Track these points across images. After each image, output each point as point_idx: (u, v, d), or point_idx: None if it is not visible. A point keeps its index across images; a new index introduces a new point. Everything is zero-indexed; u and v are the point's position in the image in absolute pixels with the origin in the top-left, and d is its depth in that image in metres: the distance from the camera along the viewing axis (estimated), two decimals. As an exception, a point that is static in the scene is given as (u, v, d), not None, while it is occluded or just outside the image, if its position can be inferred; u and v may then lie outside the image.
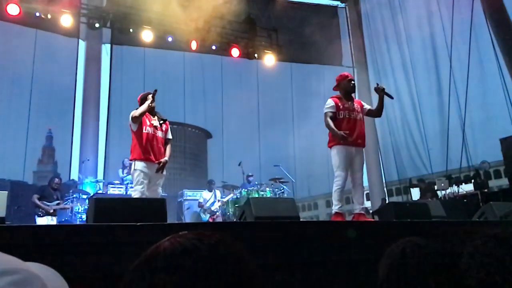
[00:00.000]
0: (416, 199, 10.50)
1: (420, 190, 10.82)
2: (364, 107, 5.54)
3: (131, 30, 10.14)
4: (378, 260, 1.26)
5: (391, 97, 5.54)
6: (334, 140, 5.20)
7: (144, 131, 5.17)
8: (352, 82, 5.48)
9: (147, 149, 5.12)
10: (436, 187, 10.23)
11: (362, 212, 5.15)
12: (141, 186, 5.07)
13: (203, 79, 13.49)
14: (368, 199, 15.57)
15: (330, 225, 4.06)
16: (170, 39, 10.81)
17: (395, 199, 15.04)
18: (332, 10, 15.68)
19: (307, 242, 3.41)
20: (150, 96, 5.26)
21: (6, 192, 3.46)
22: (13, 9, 8.71)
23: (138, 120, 5.14)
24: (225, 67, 13.43)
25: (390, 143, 14.27)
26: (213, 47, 11.52)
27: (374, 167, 14.48)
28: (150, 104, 5.18)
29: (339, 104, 5.28)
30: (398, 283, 1.04)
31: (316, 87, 13.99)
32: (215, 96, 13.65)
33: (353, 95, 5.51)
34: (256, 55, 11.92)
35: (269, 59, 12.29)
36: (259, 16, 12.73)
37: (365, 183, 14.83)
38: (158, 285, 0.65)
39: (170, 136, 5.47)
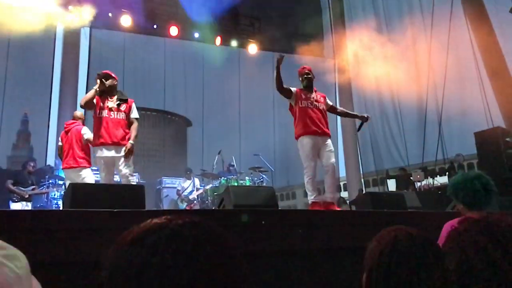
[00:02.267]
0: (393, 190, 10.69)
1: (397, 181, 11.02)
2: (327, 101, 5.68)
3: (110, 14, 9.92)
4: (358, 248, 1.28)
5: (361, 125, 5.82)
6: (300, 131, 5.33)
7: (98, 115, 5.02)
8: (307, 75, 5.63)
9: (101, 133, 4.96)
10: (412, 179, 10.44)
11: (333, 201, 5.24)
12: (103, 174, 5.00)
13: (184, 67, 13.36)
14: (345, 190, 15.80)
15: (308, 214, 4.10)
16: (155, 26, 10.63)
17: (371, 190, 15.27)
18: (315, 1, 15.66)
19: (285, 230, 3.44)
20: (98, 81, 5.06)
21: (-21, 176, 3.37)
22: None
23: (87, 107, 5.10)
24: (206, 55, 13.31)
25: (368, 135, 14.46)
26: (196, 35, 11.39)
27: (352, 158, 14.66)
28: (97, 89, 5.00)
29: (301, 94, 5.48)
30: (388, 269, 1.06)
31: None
32: (196, 84, 13.54)
33: (315, 87, 5.65)
34: (237, 43, 11.85)
35: (251, 48, 12.22)
36: (242, 5, 12.62)
37: (343, 173, 15.07)
38: (121, 259, 0.66)
39: (134, 115, 5.19)
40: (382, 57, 14.18)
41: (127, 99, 5.21)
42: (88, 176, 6.09)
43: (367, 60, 14.63)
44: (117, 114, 5.08)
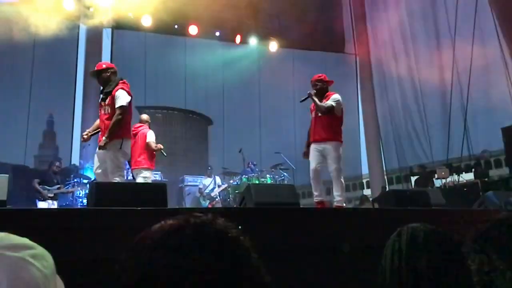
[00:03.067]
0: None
1: (416, 178, 10.85)
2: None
3: (130, 14, 10.01)
4: (379, 246, 1.26)
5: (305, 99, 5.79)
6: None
7: None
8: (312, 86, 5.77)
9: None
10: (436, 176, 10.26)
11: (338, 202, 5.46)
12: (99, 171, 4.89)
13: (204, 66, 13.39)
14: (368, 187, 15.61)
15: (329, 212, 4.07)
16: (176, 25, 10.72)
17: (395, 187, 15.07)
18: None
19: (307, 228, 3.42)
20: None
21: (7, 175, 3.45)
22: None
23: None
24: (226, 53, 13.34)
25: (391, 131, 14.24)
26: (217, 33, 11.42)
27: (375, 155, 14.48)
28: None
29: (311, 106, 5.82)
30: (407, 266, 1.04)
31: (317, 73, 13.92)
32: (216, 82, 13.57)
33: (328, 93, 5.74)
34: (257, 41, 11.84)
35: (271, 46, 12.19)
36: (261, 2, 12.58)
37: (365, 171, 14.89)
38: (147, 264, 0.67)
39: (118, 103, 4.75)
40: (404, 51, 13.96)
41: (107, 91, 4.87)
42: (150, 177, 6.47)
43: (389, 55, 14.43)
44: (103, 109, 4.89)
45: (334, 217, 3.70)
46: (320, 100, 5.58)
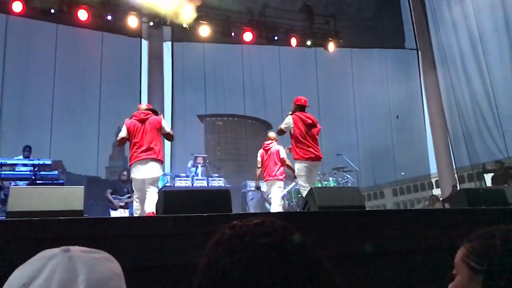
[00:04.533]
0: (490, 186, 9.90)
1: (494, 175, 10.18)
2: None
3: (184, 25, 10.27)
4: (452, 248, 1.20)
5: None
6: None
7: None
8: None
9: None
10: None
11: None
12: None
13: (261, 71, 13.51)
14: (437, 187, 14.90)
15: (398, 213, 3.93)
16: (232, 33, 10.92)
17: (467, 185, 14.25)
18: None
19: (373, 232, 3.33)
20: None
21: (83, 187, 3.68)
22: (82, 15, 9.28)
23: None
24: (283, 57, 13.36)
25: (460, 127, 13.50)
26: (275, 38, 11.47)
27: (443, 152, 13.80)
28: None
29: None
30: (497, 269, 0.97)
31: (378, 72, 13.56)
32: (274, 87, 13.63)
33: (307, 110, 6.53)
34: (314, 43, 11.74)
35: (328, 47, 12.02)
36: (316, 3, 12.49)
37: (433, 170, 14.25)
38: (225, 269, 0.67)
39: None
40: (469, 41, 13.21)
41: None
42: (282, 187, 7.53)
43: (453, 47, 13.72)
44: None
45: (403, 219, 3.56)
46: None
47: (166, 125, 5.84)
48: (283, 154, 7.34)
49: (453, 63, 13.66)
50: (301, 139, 6.21)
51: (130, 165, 5.75)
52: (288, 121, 6.34)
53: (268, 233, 0.70)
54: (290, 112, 6.46)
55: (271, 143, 7.58)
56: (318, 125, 6.48)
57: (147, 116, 5.69)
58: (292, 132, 6.30)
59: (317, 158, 6.33)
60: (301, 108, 6.46)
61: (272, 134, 7.80)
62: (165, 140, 6.32)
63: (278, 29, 11.46)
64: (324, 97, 13.71)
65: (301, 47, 11.96)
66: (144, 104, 6.31)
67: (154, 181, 5.71)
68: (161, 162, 5.76)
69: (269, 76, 13.70)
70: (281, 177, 7.32)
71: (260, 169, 7.60)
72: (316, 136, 6.41)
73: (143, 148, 5.53)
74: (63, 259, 0.71)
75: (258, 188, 8.11)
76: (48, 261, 0.70)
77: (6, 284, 0.71)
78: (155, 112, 5.88)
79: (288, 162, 7.29)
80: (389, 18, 13.95)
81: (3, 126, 10.43)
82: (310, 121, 6.34)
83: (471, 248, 1.05)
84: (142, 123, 5.62)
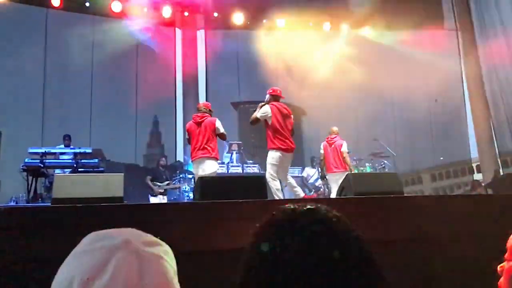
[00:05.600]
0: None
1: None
2: None
3: (215, 14, 10.28)
4: (494, 234, 1.16)
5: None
6: None
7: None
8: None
9: None
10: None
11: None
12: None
13: (295, 56, 13.35)
14: (479, 172, 14.41)
15: (437, 199, 3.84)
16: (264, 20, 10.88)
17: (511, 170, 13.70)
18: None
19: (412, 217, 3.26)
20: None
21: (122, 174, 3.80)
22: (116, 6, 9.48)
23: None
24: (312, 41, 13.14)
25: (502, 110, 12.93)
26: (306, 23, 11.35)
27: (485, 136, 13.27)
28: None
29: None
30: None
31: (416, 53, 13.13)
32: (308, 71, 13.44)
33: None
34: (351, 25, 11.51)
35: (364, 30, 11.79)
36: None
37: (474, 154, 13.77)
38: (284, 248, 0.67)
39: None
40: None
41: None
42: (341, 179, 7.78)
43: (497, 27, 13.10)
44: None
45: (443, 204, 3.47)
46: None
47: (220, 126, 6.61)
48: (344, 148, 7.76)
49: (496, 44, 13.05)
50: (279, 129, 6.21)
51: (191, 161, 6.85)
52: (266, 110, 6.31)
53: (321, 221, 0.70)
54: (264, 102, 6.48)
55: (335, 137, 7.99)
56: (291, 116, 6.51)
57: (202, 119, 6.55)
58: (269, 122, 6.27)
59: (292, 150, 6.39)
60: (276, 98, 6.53)
61: (335, 128, 8.20)
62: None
63: (311, 14, 11.30)
64: (362, 80, 13.38)
65: (336, 31, 11.75)
66: (201, 104, 7.18)
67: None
68: (215, 159, 6.59)
69: (302, 60, 13.51)
70: (343, 169, 7.61)
71: (323, 161, 8.03)
72: (290, 127, 6.40)
73: (200, 147, 6.39)
74: (128, 256, 0.69)
75: (323, 177, 8.44)
76: (111, 255, 0.68)
77: (64, 273, 0.69)
78: (210, 113, 6.77)
79: (346, 157, 7.72)
80: (427, -1, 13.46)
81: (46, 115, 10.83)
82: (286, 112, 6.39)
83: None
84: (198, 126, 6.51)
